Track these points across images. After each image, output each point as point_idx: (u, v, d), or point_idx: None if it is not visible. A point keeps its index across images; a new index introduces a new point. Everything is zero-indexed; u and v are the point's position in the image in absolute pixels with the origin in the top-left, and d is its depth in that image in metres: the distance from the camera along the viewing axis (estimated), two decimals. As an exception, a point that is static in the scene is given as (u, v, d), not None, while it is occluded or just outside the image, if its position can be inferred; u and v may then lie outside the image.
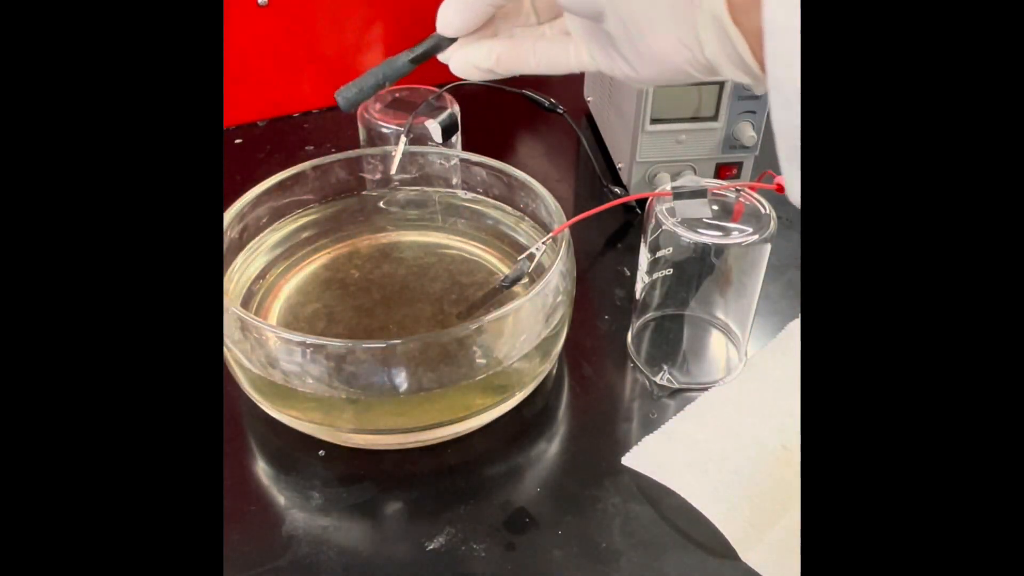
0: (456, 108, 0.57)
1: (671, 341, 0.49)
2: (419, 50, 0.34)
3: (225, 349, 0.40)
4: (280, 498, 0.40)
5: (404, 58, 0.34)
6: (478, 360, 0.40)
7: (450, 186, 0.54)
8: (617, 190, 0.60)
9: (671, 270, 0.45)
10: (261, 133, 0.70)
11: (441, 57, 0.34)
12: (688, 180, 0.44)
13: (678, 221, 0.42)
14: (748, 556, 0.37)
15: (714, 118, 0.55)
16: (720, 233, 0.42)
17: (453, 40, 0.33)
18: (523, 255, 0.43)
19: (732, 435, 0.42)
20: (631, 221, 0.60)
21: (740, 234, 0.42)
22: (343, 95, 0.34)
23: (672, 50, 0.27)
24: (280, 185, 0.48)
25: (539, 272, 0.42)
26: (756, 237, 0.41)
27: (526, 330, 0.41)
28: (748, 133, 0.55)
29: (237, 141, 0.69)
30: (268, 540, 0.38)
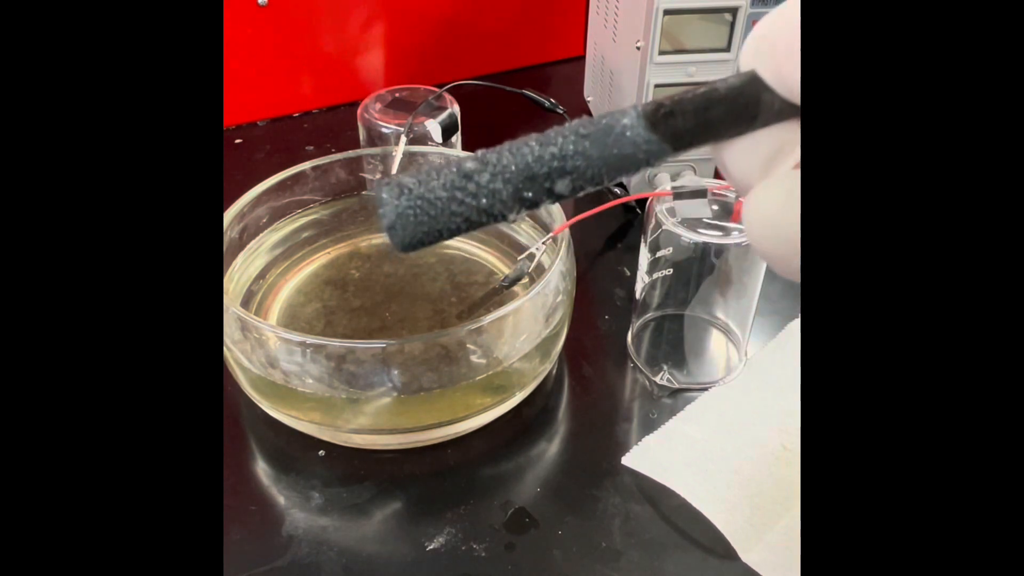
0: (456, 108, 0.57)
1: (671, 341, 0.49)
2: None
3: (225, 349, 0.40)
4: (280, 498, 0.40)
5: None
6: (478, 360, 0.40)
7: (450, 186, 0.54)
8: (617, 190, 0.60)
9: (671, 270, 0.44)
10: (261, 133, 0.70)
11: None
12: (688, 180, 0.44)
13: (678, 221, 0.42)
14: (748, 556, 0.37)
15: (714, 118, 0.55)
16: (720, 233, 0.42)
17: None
18: (523, 255, 0.43)
19: (732, 435, 0.42)
20: (631, 221, 0.60)
21: (740, 234, 0.42)
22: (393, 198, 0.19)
23: None
24: (280, 185, 0.48)
25: (539, 272, 0.42)
26: (756, 237, 0.41)
27: (526, 330, 0.41)
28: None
29: (237, 141, 0.69)
30: (268, 540, 0.38)
